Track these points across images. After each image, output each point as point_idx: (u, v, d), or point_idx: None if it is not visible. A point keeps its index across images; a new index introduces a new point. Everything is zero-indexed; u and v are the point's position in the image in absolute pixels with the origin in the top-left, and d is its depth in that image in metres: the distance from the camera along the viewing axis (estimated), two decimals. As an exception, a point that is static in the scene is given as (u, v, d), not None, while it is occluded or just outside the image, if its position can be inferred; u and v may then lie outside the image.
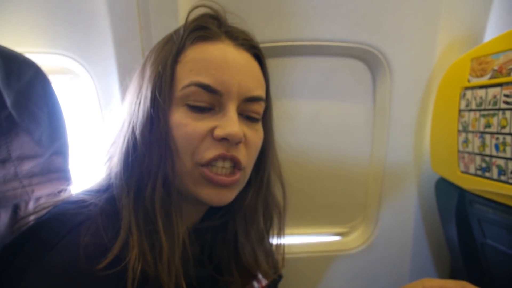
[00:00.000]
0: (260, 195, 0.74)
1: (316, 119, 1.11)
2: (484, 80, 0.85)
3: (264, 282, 0.81)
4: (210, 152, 0.59)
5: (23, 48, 0.85)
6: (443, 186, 1.08)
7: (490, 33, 1.06)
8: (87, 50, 0.97)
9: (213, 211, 0.73)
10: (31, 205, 0.70)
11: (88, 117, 1.03)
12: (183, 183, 0.61)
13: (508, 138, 0.78)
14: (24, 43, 0.93)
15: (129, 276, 0.53)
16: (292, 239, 1.19)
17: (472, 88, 0.89)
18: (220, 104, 0.60)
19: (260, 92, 0.65)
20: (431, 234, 1.21)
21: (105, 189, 0.62)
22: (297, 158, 1.10)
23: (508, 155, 0.78)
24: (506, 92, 0.78)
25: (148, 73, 0.62)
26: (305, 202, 1.16)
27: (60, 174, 0.77)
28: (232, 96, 0.60)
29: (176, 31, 0.64)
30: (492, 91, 0.82)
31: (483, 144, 0.85)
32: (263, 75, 0.68)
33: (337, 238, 1.23)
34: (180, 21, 0.91)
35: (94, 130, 1.03)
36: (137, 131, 0.59)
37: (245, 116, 0.64)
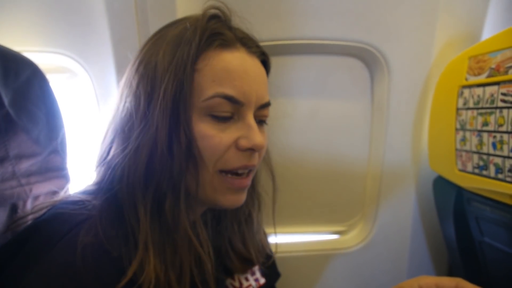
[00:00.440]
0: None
1: (314, 118, 1.11)
2: (482, 78, 0.85)
3: (262, 280, 0.82)
4: (234, 161, 0.60)
5: (21, 47, 0.85)
6: (441, 185, 1.08)
7: (488, 32, 1.06)
8: (85, 49, 0.97)
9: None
10: (29, 204, 0.70)
11: (86, 115, 1.03)
12: (204, 191, 0.61)
13: (505, 136, 0.78)
14: (22, 42, 0.93)
15: None
16: (290, 238, 1.20)
17: (470, 86, 0.89)
18: (239, 113, 0.61)
19: (268, 97, 0.66)
20: (429, 232, 1.22)
21: (104, 189, 0.61)
22: (295, 157, 1.10)
23: (505, 153, 0.78)
24: (503, 90, 0.78)
25: (161, 76, 0.58)
26: (303, 200, 1.16)
27: (58, 173, 0.77)
28: (251, 106, 0.61)
29: (185, 32, 0.60)
30: (489, 89, 0.83)
31: (481, 143, 0.86)
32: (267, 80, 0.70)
33: (335, 236, 1.24)
34: (178, 19, 0.90)
35: (92, 129, 1.03)
36: (155, 141, 0.57)
37: (257, 121, 0.65)
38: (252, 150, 0.61)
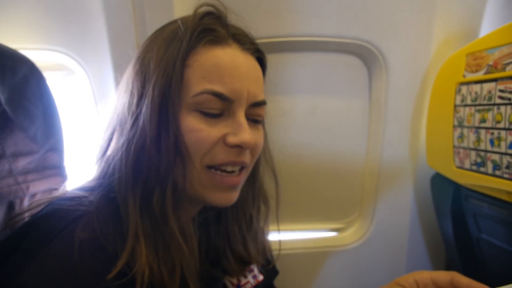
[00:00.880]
0: (250, 186, 0.75)
1: (312, 115, 1.11)
2: (479, 75, 0.85)
3: (260, 277, 0.82)
4: (221, 156, 0.60)
5: (18, 44, 0.84)
6: (439, 181, 1.08)
7: (486, 28, 1.06)
8: (82, 46, 0.97)
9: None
10: (26, 202, 0.70)
11: (83, 113, 1.03)
12: (192, 187, 0.61)
13: (503, 133, 0.78)
14: (19, 39, 0.93)
15: (138, 282, 0.53)
16: (289, 235, 1.20)
17: (467, 83, 0.89)
18: (229, 110, 0.61)
19: (263, 95, 0.65)
20: (427, 229, 1.22)
21: (101, 186, 0.61)
22: (293, 154, 1.10)
23: (502, 150, 0.79)
24: (501, 87, 0.79)
25: (152, 73, 0.59)
26: (301, 198, 1.16)
27: (55, 170, 0.77)
28: (242, 103, 0.61)
29: (179, 29, 0.61)
30: (487, 86, 0.83)
31: (478, 139, 0.86)
32: (263, 78, 0.69)
33: (333, 233, 1.24)
34: (175, 17, 0.90)
35: (89, 126, 1.03)
36: (143, 135, 0.58)
37: (251, 120, 0.64)
38: (240, 147, 0.60)
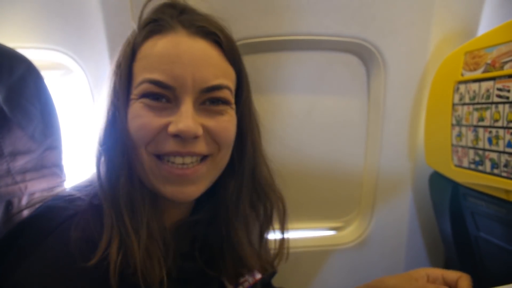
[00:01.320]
0: (244, 184, 0.71)
1: (310, 114, 1.11)
2: (478, 74, 0.85)
3: (258, 276, 0.81)
4: (164, 145, 0.58)
5: (15, 43, 0.84)
6: (437, 180, 1.08)
7: (484, 27, 1.06)
8: (80, 45, 0.97)
9: (201, 204, 0.73)
10: (24, 201, 0.70)
11: (81, 112, 1.03)
12: (148, 179, 0.61)
13: (501, 131, 0.78)
14: (16, 38, 0.93)
15: (111, 270, 0.53)
16: (287, 234, 1.19)
17: (466, 82, 0.89)
18: (176, 98, 0.59)
19: (221, 80, 0.62)
20: (425, 227, 1.22)
21: (92, 184, 0.62)
22: (291, 153, 1.10)
23: (501, 148, 0.79)
24: (499, 85, 0.79)
25: (109, 73, 0.63)
26: (299, 197, 1.16)
27: (53, 169, 0.77)
28: (187, 90, 0.58)
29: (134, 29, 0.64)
30: (485, 84, 0.83)
31: (477, 138, 0.86)
32: (227, 60, 0.65)
33: (332, 232, 1.24)
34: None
35: (87, 125, 1.03)
36: (103, 129, 0.60)
37: (209, 106, 0.62)
38: (179, 136, 0.57)
